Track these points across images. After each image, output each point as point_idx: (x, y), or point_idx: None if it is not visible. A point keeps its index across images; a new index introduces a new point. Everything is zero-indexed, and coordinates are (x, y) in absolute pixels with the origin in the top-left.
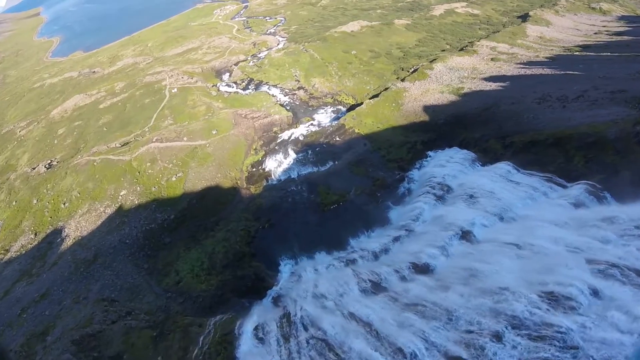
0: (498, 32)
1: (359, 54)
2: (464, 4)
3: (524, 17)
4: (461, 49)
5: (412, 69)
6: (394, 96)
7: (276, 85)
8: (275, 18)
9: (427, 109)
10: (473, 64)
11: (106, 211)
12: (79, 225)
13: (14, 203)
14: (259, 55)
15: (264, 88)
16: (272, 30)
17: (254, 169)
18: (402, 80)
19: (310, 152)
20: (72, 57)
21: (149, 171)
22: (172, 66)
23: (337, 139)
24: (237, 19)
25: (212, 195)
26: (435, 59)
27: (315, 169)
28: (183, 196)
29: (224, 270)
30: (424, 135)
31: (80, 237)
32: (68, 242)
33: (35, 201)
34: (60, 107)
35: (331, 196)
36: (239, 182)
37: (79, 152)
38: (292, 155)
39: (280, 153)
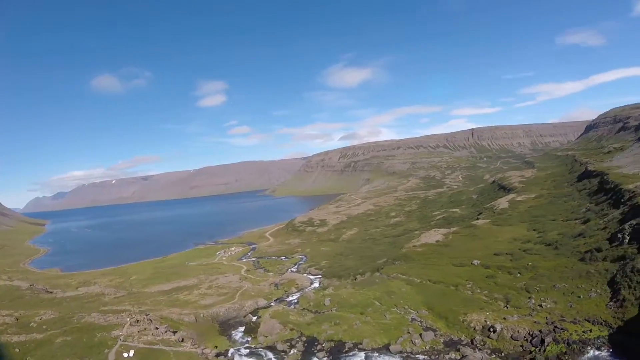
0: None
1: (486, 261)
2: (514, 195)
3: None
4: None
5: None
6: None
7: (385, 346)
8: (293, 257)
9: None
10: None
11: None
12: None
13: None
14: (289, 299)
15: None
16: (294, 269)
17: None
18: None
19: None
20: (46, 272)
21: None
22: (147, 306)
23: None
24: (245, 260)
25: None
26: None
27: None
28: None
29: None
30: None
31: None
32: None
33: None
34: None
35: None
36: None
37: None
38: None
39: None
